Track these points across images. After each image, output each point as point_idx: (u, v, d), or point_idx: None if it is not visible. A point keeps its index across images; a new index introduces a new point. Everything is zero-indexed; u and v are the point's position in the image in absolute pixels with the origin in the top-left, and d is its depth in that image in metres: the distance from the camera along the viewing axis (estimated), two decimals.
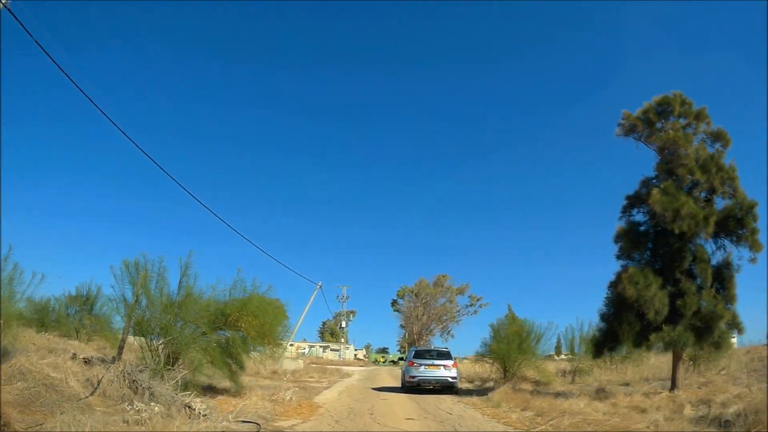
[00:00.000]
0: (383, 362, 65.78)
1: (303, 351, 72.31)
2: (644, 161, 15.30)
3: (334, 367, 35.53)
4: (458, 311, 77.99)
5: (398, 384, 20.74)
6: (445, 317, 77.69)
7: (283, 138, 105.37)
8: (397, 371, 42.03)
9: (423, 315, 76.93)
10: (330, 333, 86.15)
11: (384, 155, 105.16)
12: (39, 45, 9.25)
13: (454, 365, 16.25)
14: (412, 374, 15.87)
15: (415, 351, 16.87)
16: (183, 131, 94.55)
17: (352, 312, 68.92)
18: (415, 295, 76.60)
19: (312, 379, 22.39)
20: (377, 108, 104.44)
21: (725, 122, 14.42)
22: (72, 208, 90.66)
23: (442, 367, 15.98)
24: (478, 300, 77.25)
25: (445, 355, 16.61)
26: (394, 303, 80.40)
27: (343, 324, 65.10)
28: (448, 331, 77.77)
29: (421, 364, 15.89)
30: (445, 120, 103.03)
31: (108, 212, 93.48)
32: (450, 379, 15.94)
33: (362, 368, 46.56)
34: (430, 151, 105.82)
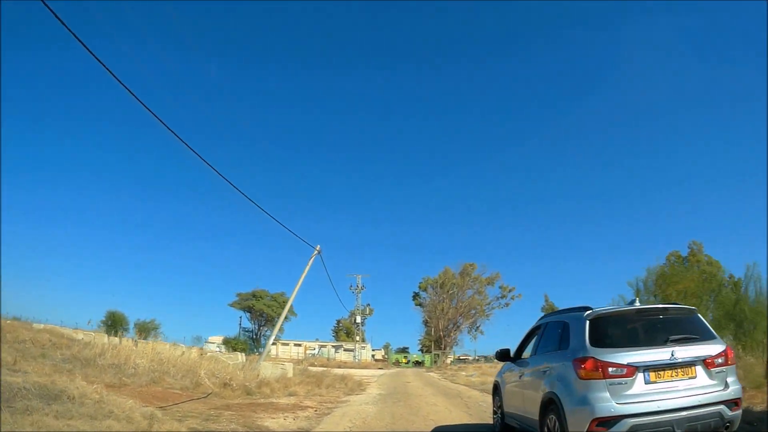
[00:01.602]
0: (406, 363, 53.50)
1: (312, 352, 60.62)
2: None
3: (342, 371, 23.61)
4: (488, 304, 65.60)
5: (466, 413, 8.80)
6: (473, 311, 65.33)
7: (293, 130, 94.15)
8: (430, 375, 28.77)
9: (449, 309, 64.70)
10: (345, 333, 74.72)
11: (400, 146, 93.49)
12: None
13: (729, 358, 4.36)
14: (606, 411, 3.84)
15: (606, 318, 4.54)
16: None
17: (368, 306, 56.83)
18: (440, 286, 64.29)
19: (285, 404, 10.52)
20: (398, 99, 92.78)
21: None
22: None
23: (698, 368, 4.17)
24: (510, 291, 64.82)
25: (695, 329, 4.52)
26: (415, 296, 68.41)
27: (359, 319, 53.02)
28: (477, 327, 65.55)
29: (637, 367, 4.04)
30: (472, 111, 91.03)
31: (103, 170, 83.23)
32: (729, 411, 4.10)
33: (382, 372, 34.52)
34: (451, 141, 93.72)
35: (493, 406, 7.11)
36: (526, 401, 5.34)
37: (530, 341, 5.91)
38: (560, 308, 6.09)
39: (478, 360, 63.89)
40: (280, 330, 67.44)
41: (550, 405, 4.54)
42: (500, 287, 65.29)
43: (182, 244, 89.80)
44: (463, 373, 29.35)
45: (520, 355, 6.06)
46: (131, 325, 48.91)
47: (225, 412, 9.10)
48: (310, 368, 24.45)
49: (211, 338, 58.92)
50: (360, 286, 52.72)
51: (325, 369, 25.29)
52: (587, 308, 4.70)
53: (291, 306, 67.07)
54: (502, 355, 6.23)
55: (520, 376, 5.62)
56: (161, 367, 14.66)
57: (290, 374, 18.58)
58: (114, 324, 43.51)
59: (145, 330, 50.17)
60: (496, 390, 6.90)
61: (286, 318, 67.76)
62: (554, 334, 5.10)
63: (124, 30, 64.74)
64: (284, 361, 29.98)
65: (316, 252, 20.32)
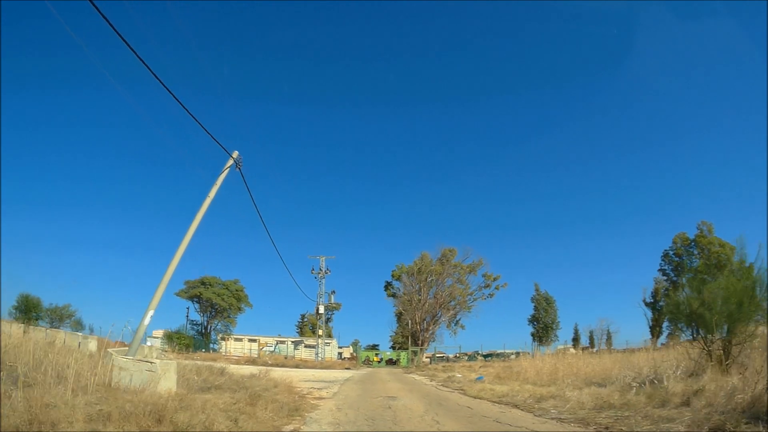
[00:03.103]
0: (378, 362, 44.66)
1: (268, 348, 50.97)
2: None
3: (282, 373, 14.52)
4: (470, 294, 57.32)
5: None
6: (453, 302, 56.95)
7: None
8: (416, 379, 20.13)
9: (426, 300, 56.17)
10: (311, 328, 65.23)
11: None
12: None
13: None
14: None
15: None
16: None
17: (332, 295, 47.49)
18: (417, 273, 55.66)
19: None
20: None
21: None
22: None
23: None
24: (494, 279, 56.79)
25: None
26: (388, 286, 59.52)
27: (321, 309, 43.74)
28: (457, 321, 57.22)
29: None
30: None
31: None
32: None
33: (349, 374, 25.52)
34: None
35: None
36: None
37: None
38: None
39: (458, 357, 55.54)
40: (231, 323, 57.44)
41: None
42: (483, 275, 57.12)
43: (127, 222, 78.26)
44: (458, 374, 20.68)
45: None
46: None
47: None
48: (233, 368, 15.19)
49: (155, 332, 48.39)
50: (324, 269, 43.44)
51: (262, 369, 16.11)
52: None
53: (246, 296, 56.79)
54: None
55: None
56: None
57: (169, 382, 9.39)
58: (27, 310, 34.86)
59: (59, 317, 40.26)
60: None
61: (240, 310, 57.77)
62: None
63: None
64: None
65: (231, 161, 11.19)
